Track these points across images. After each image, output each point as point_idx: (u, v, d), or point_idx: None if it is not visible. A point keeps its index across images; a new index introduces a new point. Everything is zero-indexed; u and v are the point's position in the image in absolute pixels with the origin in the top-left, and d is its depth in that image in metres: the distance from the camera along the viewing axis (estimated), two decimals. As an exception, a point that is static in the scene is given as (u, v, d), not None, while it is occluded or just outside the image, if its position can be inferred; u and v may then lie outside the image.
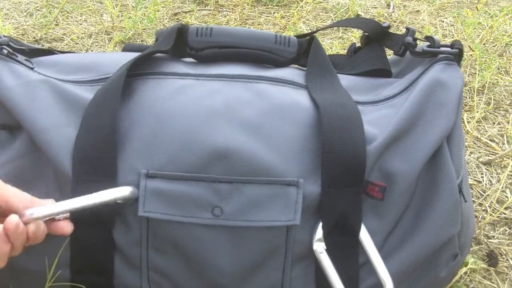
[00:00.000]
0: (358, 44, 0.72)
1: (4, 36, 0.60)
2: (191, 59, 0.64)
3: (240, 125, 0.53)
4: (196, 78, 0.58)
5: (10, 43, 0.60)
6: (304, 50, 0.64)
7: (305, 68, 0.63)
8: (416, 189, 0.55)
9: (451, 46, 0.61)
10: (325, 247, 0.53)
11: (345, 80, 0.62)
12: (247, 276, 0.53)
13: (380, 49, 0.67)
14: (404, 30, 0.66)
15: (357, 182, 0.53)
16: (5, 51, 0.58)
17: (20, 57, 0.60)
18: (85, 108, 0.55)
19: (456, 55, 0.60)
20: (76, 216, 0.52)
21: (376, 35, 0.67)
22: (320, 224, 0.53)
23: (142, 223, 0.52)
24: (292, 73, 0.61)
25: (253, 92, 0.56)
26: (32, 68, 0.60)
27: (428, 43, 0.62)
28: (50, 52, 0.67)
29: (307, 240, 0.53)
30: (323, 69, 0.61)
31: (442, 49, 0.60)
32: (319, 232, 0.53)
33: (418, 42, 0.64)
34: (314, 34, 0.67)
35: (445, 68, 0.58)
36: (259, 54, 0.62)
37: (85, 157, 0.52)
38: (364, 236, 0.53)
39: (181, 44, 0.63)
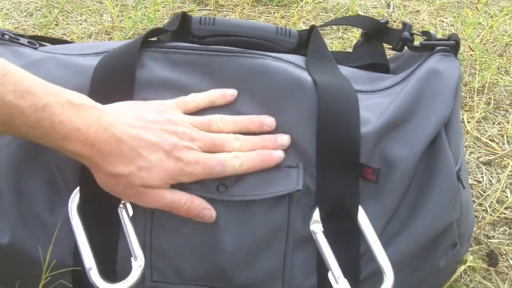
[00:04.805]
0: (362, 42, 0.72)
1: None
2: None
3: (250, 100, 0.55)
4: (200, 54, 0.58)
5: (8, 32, 0.61)
6: (304, 42, 0.65)
7: (305, 56, 0.63)
8: (414, 176, 0.55)
9: (448, 39, 0.62)
10: (322, 229, 0.53)
11: (344, 70, 0.62)
12: (249, 259, 0.53)
13: (379, 45, 0.68)
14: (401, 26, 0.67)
15: (352, 165, 0.53)
16: (6, 36, 0.60)
17: (23, 40, 0.61)
18: (91, 73, 0.56)
19: (452, 46, 0.61)
20: (84, 197, 0.53)
21: (375, 32, 0.68)
22: (317, 207, 0.53)
23: None
24: (293, 57, 0.62)
25: (258, 66, 0.57)
26: (36, 48, 0.61)
27: (425, 38, 0.63)
28: (47, 39, 0.68)
29: (307, 226, 0.54)
30: (323, 56, 0.62)
31: (438, 41, 0.61)
32: (316, 214, 0.53)
33: (415, 37, 0.65)
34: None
35: (442, 59, 0.59)
36: (260, 44, 0.64)
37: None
38: (364, 222, 0.54)
39: (185, 32, 0.64)
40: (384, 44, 0.69)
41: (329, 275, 0.53)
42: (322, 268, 0.54)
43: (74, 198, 0.53)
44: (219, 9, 1.33)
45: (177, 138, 0.51)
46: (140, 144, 0.49)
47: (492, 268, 0.72)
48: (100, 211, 0.53)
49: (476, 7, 1.35)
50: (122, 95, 0.54)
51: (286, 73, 0.57)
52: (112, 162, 0.49)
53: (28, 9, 1.29)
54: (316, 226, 0.53)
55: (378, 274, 0.53)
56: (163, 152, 0.50)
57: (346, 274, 0.53)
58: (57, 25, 1.24)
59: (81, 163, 0.52)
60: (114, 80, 0.55)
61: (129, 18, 1.22)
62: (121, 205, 0.53)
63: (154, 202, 0.51)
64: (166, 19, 1.27)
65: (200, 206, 0.52)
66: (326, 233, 0.53)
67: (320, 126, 0.54)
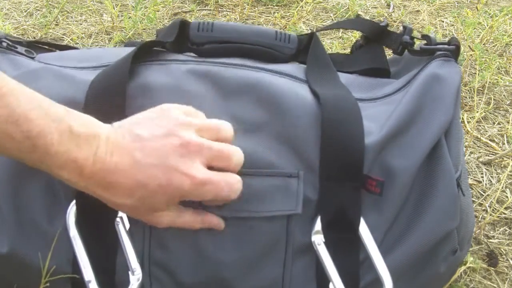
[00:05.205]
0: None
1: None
2: (191, 54, 0.64)
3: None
4: (197, 63, 0.58)
5: (7, 37, 0.61)
6: (304, 47, 0.65)
7: (304, 65, 0.63)
8: (414, 184, 0.55)
9: (448, 43, 0.62)
10: (323, 240, 0.53)
11: (343, 78, 0.62)
12: (248, 270, 0.53)
13: (379, 48, 0.68)
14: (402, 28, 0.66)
15: (355, 176, 0.53)
16: (4, 44, 0.59)
17: (20, 48, 0.60)
18: (87, 87, 0.55)
19: (453, 51, 0.60)
20: (80, 210, 0.52)
21: (375, 35, 0.68)
22: (319, 217, 0.53)
23: None
24: (292, 68, 0.61)
25: (254, 80, 0.57)
26: (33, 58, 0.60)
27: (424, 41, 0.63)
28: (46, 43, 0.67)
29: (307, 235, 0.53)
30: (323, 65, 0.62)
31: (439, 46, 0.61)
32: (318, 225, 0.53)
33: (416, 40, 0.65)
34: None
35: (443, 64, 0.59)
36: (259, 50, 0.63)
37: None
38: (364, 232, 0.53)
39: (183, 39, 0.63)
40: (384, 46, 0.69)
41: (330, 286, 0.53)
42: (321, 276, 0.54)
43: (72, 210, 0.53)
44: (219, 9, 1.33)
45: (180, 155, 0.47)
46: (139, 171, 0.46)
47: (492, 268, 0.72)
48: (97, 224, 0.53)
49: (476, 7, 1.35)
50: (115, 107, 0.53)
51: (284, 88, 0.56)
52: (112, 193, 0.47)
53: (28, 9, 1.29)
54: (318, 237, 0.53)
55: (377, 283, 0.53)
56: (165, 171, 0.46)
57: (346, 284, 0.53)
58: (57, 25, 1.24)
59: None
60: (107, 93, 0.54)
61: (129, 18, 1.22)
62: (117, 219, 0.53)
63: (168, 223, 0.50)
64: (166, 19, 1.27)
65: (211, 222, 0.52)
66: (326, 243, 0.53)
67: (324, 137, 0.53)
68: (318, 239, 0.53)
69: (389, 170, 0.54)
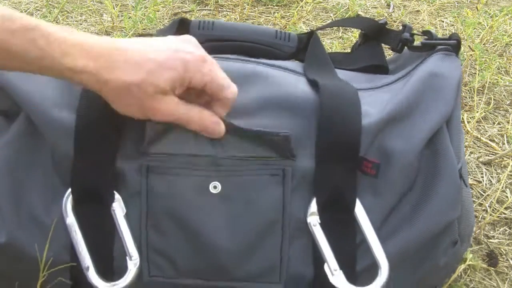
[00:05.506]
0: (362, 42, 0.72)
1: None
2: None
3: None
4: None
5: None
6: (303, 46, 0.65)
7: (303, 63, 0.63)
8: (418, 173, 0.55)
9: (449, 38, 0.62)
10: (319, 221, 0.53)
11: (342, 74, 0.62)
12: (245, 255, 0.53)
13: (378, 46, 0.68)
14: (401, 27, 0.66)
15: (351, 158, 0.53)
16: None
17: None
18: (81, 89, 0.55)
19: (454, 46, 0.60)
20: (76, 197, 0.53)
21: (374, 33, 0.68)
22: (314, 199, 0.53)
23: (142, 200, 0.53)
24: (291, 64, 0.62)
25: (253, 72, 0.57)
26: None
27: (425, 37, 0.63)
28: None
29: (303, 217, 0.54)
30: (321, 61, 0.62)
31: (439, 41, 0.61)
32: (313, 206, 0.53)
33: (415, 38, 0.65)
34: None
35: (443, 58, 0.59)
36: (259, 48, 0.63)
37: (88, 135, 0.52)
38: (360, 213, 0.54)
39: None
40: (383, 45, 0.69)
41: (325, 267, 0.53)
42: (318, 257, 0.54)
43: (68, 198, 0.53)
44: (219, 9, 1.33)
45: (188, 48, 0.51)
46: (147, 49, 0.49)
47: (492, 268, 0.72)
48: (94, 210, 0.53)
49: (476, 7, 1.35)
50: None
51: (281, 78, 0.57)
52: (121, 71, 0.48)
53: (28, 9, 1.29)
54: (313, 219, 0.53)
55: (374, 268, 0.53)
56: (171, 51, 0.49)
57: (342, 265, 0.53)
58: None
59: (72, 161, 0.52)
60: None
61: (129, 18, 1.22)
62: (113, 206, 0.53)
63: (169, 112, 0.50)
64: (166, 19, 1.27)
65: (210, 119, 0.52)
66: (322, 224, 0.53)
67: (322, 119, 0.53)
68: (313, 220, 0.53)
69: (387, 153, 0.54)
